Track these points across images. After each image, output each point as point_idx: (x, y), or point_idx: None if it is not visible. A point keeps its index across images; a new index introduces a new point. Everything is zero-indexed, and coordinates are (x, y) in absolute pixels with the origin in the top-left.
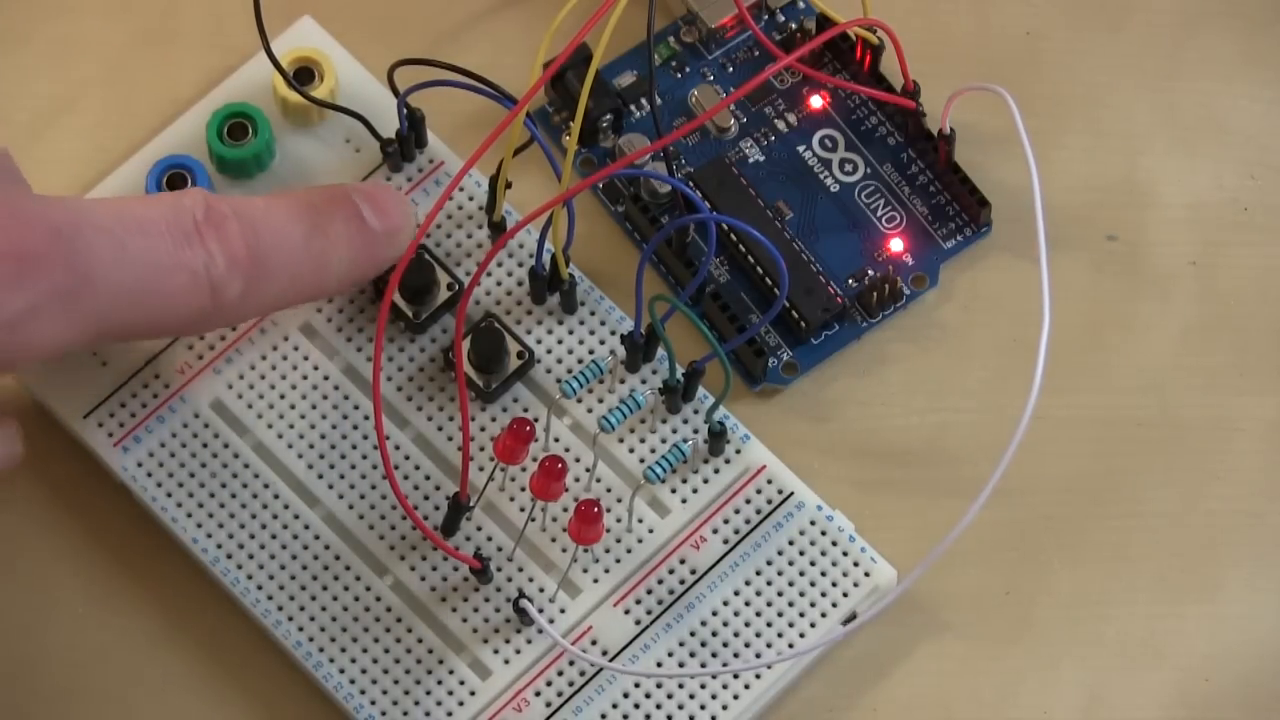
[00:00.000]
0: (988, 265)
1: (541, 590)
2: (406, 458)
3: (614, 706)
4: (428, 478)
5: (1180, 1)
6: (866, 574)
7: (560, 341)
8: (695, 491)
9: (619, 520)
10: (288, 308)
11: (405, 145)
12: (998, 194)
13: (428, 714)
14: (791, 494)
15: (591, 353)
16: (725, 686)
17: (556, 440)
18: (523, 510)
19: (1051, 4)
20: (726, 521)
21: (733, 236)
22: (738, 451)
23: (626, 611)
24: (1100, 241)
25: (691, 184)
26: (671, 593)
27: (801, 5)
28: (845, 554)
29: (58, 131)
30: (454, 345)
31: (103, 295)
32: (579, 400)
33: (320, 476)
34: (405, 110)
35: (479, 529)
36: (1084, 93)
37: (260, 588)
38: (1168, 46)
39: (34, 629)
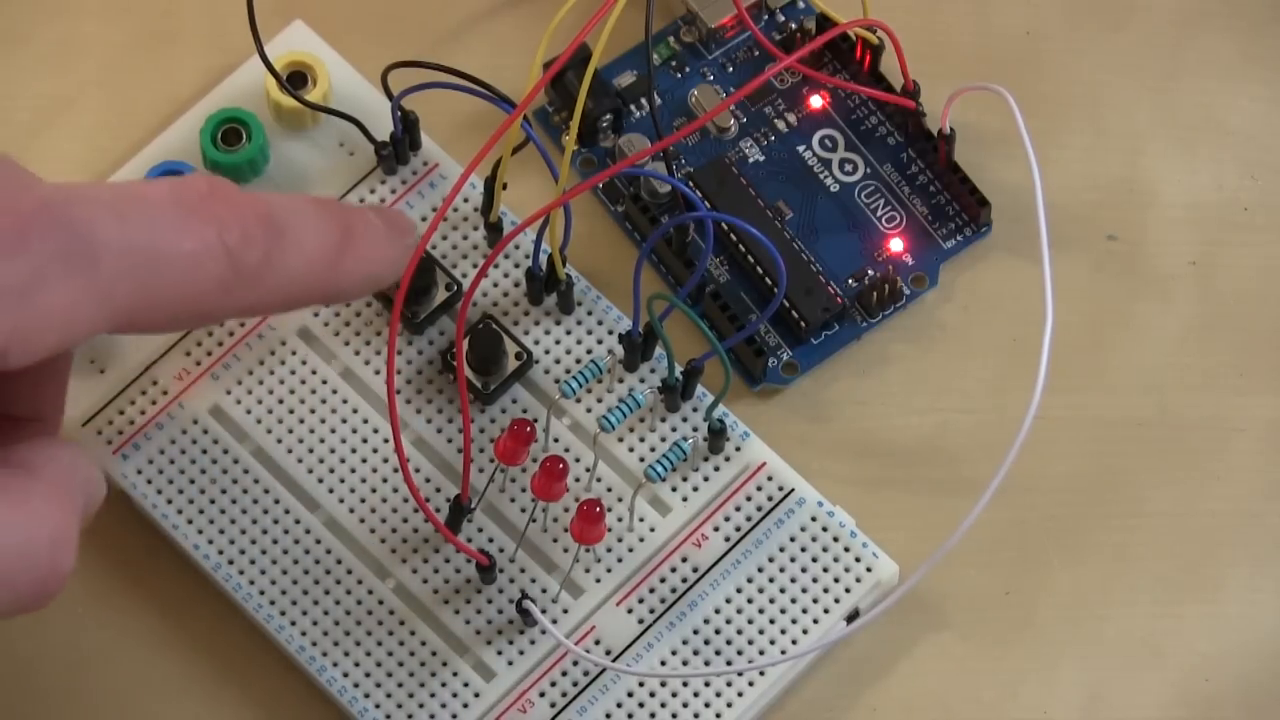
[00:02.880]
0: (988, 265)
1: (544, 591)
2: (407, 459)
3: (618, 706)
4: (428, 480)
5: (1180, 1)
6: (869, 569)
7: (558, 342)
8: (696, 490)
9: (620, 519)
10: (312, 300)
11: (399, 148)
12: (997, 194)
13: (432, 716)
14: (792, 490)
15: (590, 352)
16: (729, 684)
17: (556, 440)
18: (524, 511)
19: (1051, 4)
20: (728, 519)
21: (732, 236)
22: (738, 449)
23: (629, 611)
24: (1100, 241)
25: (691, 184)
26: (674, 591)
27: (801, 5)
28: (847, 549)
29: (56, 132)
30: (452, 347)
31: (109, 259)
32: (578, 400)
33: (320, 480)
34: (399, 113)
35: (480, 530)
36: (1084, 93)
37: (262, 592)
38: (1168, 46)
39: (34, 629)
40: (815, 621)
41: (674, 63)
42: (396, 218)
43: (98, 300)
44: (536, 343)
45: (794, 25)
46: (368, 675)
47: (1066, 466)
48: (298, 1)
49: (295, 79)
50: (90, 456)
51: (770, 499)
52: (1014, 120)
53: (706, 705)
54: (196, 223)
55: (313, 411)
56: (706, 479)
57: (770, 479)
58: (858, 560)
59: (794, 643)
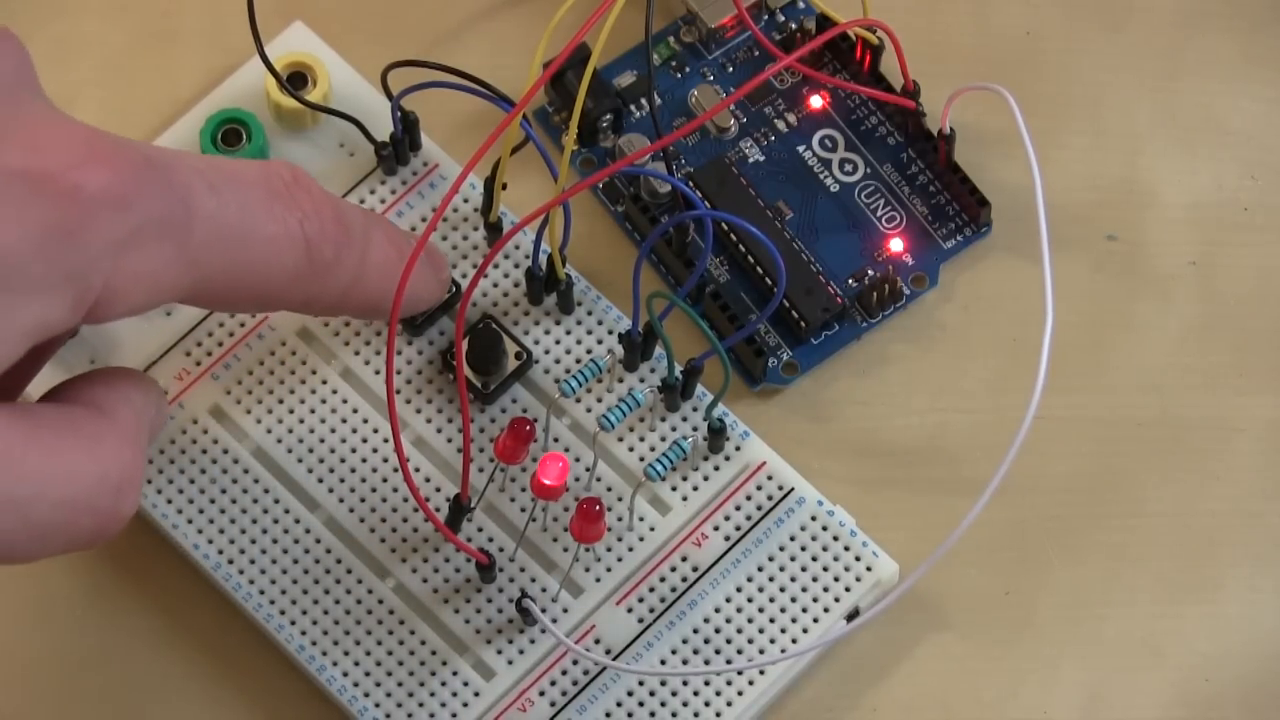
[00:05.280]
0: (988, 265)
1: (544, 590)
2: (406, 459)
3: (618, 705)
4: (428, 479)
5: (1180, 1)
6: (868, 568)
7: (558, 342)
8: (696, 489)
9: (620, 519)
10: (358, 309)
11: (399, 148)
12: (998, 194)
13: (432, 715)
14: (792, 490)
15: (589, 352)
16: (729, 683)
17: (556, 440)
18: (524, 510)
19: (1051, 4)
20: (728, 518)
21: (732, 236)
22: (737, 448)
23: (629, 610)
24: (1100, 241)
25: (691, 184)
26: (674, 590)
27: (801, 5)
28: (847, 548)
29: None
30: (452, 347)
31: (201, 230)
32: (578, 400)
33: (320, 480)
34: (399, 113)
35: (480, 530)
36: (1084, 93)
37: (262, 592)
38: (1168, 46)
39: (34, 629)
40: (815, 620)
41: (674, 63)
42: (433, 250)
43: (184, 267)
44: (536, 342)
45: (794, 25)
46: (368, 675)
47: (1066, 466)
48: (298, 1)
49: (295, 79)
50: (158, 389)
51: (770, 498)
52: (1014, 120)
53: (706, 704)
54: (281, 208)
55: (313, 411)
56: (706, 478)
57: (770, 478)
58: (858, 559)
59: (794, 642)
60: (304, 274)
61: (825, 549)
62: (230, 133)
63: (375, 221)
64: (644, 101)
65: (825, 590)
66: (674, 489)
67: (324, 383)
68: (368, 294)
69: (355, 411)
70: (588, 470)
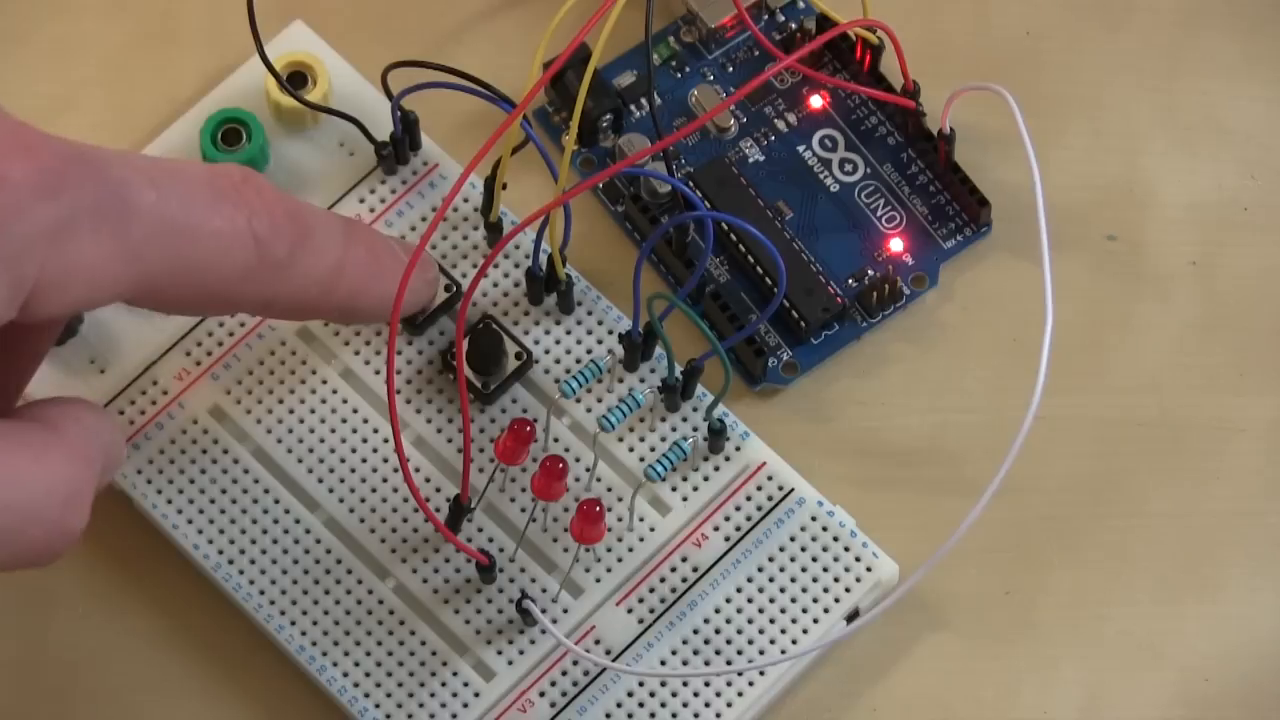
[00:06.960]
0: (988, 265)
1: (544, 590)
2: (406, 459)
3: (618, 706)
4: (428, 480)
5: (1180, 1)
6: (868, 569)
7: (558, 342)
8: (696, 489)
9: (620, 519)
10: (328, 312)
11: (399, 148)
12: (998, 194)
13: (432, 716)
14: (792, 490)
15: (590, 352)
16: (729, 684)
17: (556, 440)
18: (524, 511)
19: (1051, 4)
20: (728, 519)
21: (732, 236)
22: (738, 449)
23: (629, 610)
24: (1100, 241)
25: (691, 184)
26: (674, 591)
27: (801, 5)
28: (847, 549)
29: (56, 132)
30: (452, 347)
31: (142, 223)
32: (578, 400)
33: (320, 480)
34: (399, 113)
35: (480, 530)
36: (1084, 93)
37: (263, 592)
38: (1168, 46)
39: (34, 629)
40: (815, 621)
41: (674, 63)
42: (421, 255)
43: (126, 260)
44: (536, 343)
45: (794, 25)
46: (368, 675)
47: (1066, 466)
48: (298, 1)
49: (295, 79)
50: (114, 421)
51: (770, 499)
52: (1014, 120)
53: (706, 705)
54: (228, 206)
55: (313, 411)
56: (706, 479)
57: (770, 479)
58: (858, 560)
59: (794, 643)
60: (256, 272)
61: (825, 550)
62: (230, 133)
63: (351, 226)
64: (644, 101)
65: (825, 591)
66: (674, 489)
67: (324, 383)
68: (341, 297)
69: (355, 411)
70: (588, 471)
